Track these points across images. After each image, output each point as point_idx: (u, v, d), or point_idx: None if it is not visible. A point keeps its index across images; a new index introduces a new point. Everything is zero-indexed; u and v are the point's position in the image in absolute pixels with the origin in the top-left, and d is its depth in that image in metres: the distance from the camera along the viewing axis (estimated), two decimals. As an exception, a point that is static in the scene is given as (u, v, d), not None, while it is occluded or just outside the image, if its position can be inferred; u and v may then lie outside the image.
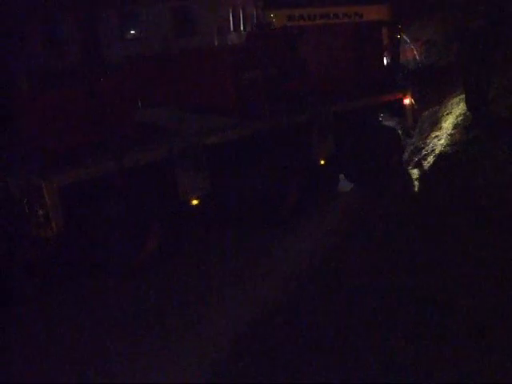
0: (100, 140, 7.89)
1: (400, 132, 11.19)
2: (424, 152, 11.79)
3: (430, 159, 11.17)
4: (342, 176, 10.95)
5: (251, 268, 8.06)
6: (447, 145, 11.44)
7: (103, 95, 7.95)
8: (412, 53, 18.23)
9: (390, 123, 11.61)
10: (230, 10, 24.22)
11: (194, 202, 8.59)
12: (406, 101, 10.90)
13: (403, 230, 8.22)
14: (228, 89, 9.01)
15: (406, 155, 12.32)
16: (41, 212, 7.44)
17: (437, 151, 11.36)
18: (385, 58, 11.35)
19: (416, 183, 10.44)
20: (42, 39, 22.83)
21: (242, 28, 26.60)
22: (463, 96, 12.65)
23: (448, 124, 12.74)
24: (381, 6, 15.07)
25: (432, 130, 13.06)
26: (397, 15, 16.69)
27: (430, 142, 12.23)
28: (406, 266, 7.17)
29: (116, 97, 8.02)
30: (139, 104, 9.94)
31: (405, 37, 18.69)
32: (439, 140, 12.02)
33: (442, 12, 18.06)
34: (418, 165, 11.18)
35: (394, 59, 12.89)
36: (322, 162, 9.96)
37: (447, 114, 13.51)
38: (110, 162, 7.68)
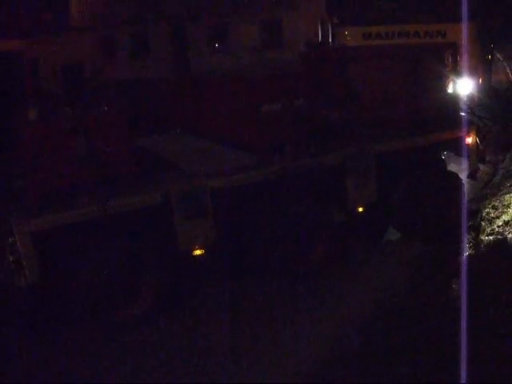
0: (90, 179, 6.98)
1: (462, 175, 9.45)
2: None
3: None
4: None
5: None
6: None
7: (92, 130, 7.02)
8: (505, 73, 16.17)
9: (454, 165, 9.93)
10: (319, 24, 23.33)
11: (197, 252, 7.51)
12: (469, 140, 9.10)
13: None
14: (245, 121, 7.84)
15: (496, 180, 10.94)
16: (11, 258, 6.68)
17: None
18: (454, 86, 9.65)
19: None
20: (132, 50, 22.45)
21: (330, 41, 25.90)
22: None
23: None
24: (467, 22, 12.98)
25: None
26: (488, 32, 14.77)
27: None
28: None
29: (108, 132, 7.08)
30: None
31: (498, 55, 16.67)
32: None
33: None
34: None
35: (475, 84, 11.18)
36: (361, 210, 8.53)
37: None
38: (92, 207, 6.75)
